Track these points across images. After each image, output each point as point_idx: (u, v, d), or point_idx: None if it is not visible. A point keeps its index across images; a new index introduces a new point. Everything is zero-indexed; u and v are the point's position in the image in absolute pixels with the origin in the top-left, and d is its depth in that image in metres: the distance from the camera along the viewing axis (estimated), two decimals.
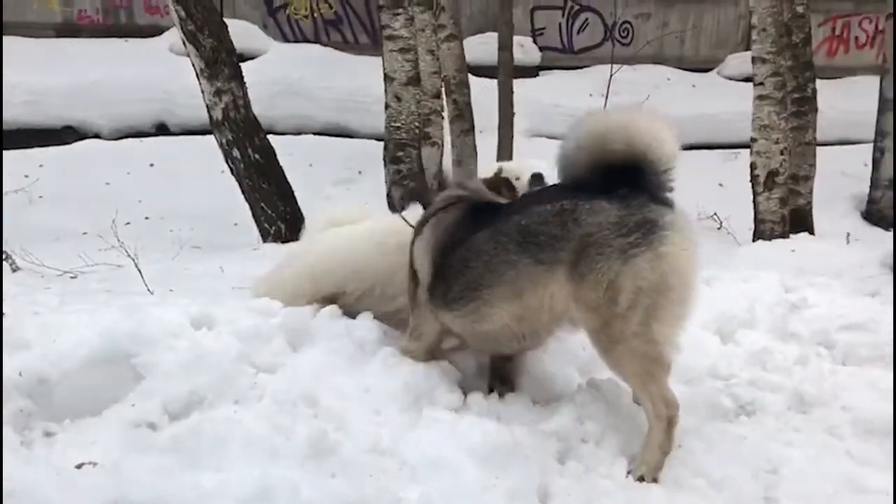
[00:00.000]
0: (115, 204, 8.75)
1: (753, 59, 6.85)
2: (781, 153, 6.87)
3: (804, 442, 2.63)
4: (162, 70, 10.45)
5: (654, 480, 2.42)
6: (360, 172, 9.65)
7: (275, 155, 6.77)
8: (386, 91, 7.08)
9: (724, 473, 2.46)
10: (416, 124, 7.09)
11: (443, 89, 7.60)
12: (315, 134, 10.59)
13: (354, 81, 10.60)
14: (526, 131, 10.69)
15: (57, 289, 4.51)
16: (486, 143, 9.13)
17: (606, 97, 8.68)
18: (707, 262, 6.44)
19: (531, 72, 11.85)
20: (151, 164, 9.77)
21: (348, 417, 2.44)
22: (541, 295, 2.53)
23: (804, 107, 7.83)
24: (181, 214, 8.57)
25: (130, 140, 10.29)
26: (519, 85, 10.20)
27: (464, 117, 6.03)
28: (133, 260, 4.76)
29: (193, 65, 6.56)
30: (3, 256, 5.41)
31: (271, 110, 10.45)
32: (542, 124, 10.92)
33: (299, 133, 10.51)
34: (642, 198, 2.44)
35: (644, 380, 2.46)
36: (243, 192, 6.71)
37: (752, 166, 7.02)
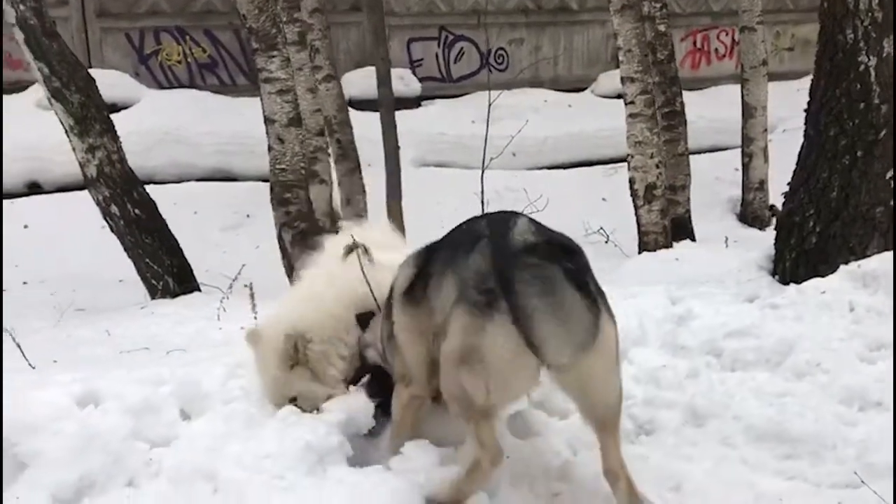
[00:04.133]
0: None
1: (622, 79, 7.12)
2: (657, 166, 7.15)
3: (702, 455, 2.72)
4: (30, 127, 10.01)
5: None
6: (248, 216, 9.49)
7: (156, 208, 6.56)
8: (268, 133, 6.97)
9: None
10: (302, 164, 7.00)
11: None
12: (198, 181, 10.35)
13: (235, 124, 10.43)
14: (413, 161, 10.77)
15: None
16: (377, 176, 9.11)
17: (487, 124, 8.81)
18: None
19: (413, 103, 11.95)
20: (25, 226, 9.32)
21: (250, 488, 2.36)
22: None
23: (674, 120, 8.19)
24: (62, 276, 8.21)
25: None
26: (402, 116, 10.25)
27: (348, 156, 6.01)
28: (10, 334, 4.48)
29: (62, 122, 6.31)
30: None
31: (150, 160, 10.18)
32: (427, 154, 11.05)
33: (181, 181, 10.25)
34: None
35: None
36: (125, 248, 6.48)
37: (631, 181, 7.27)
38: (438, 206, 9.96)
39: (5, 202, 9.83)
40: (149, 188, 10.13)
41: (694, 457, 2.71)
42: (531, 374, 2.38)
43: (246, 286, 5.63)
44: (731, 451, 2.76)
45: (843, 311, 3.99)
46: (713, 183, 10.50)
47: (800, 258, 4.83)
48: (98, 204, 6.37)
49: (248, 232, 9.24)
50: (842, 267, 4.52)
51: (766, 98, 9.33)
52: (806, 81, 5.00)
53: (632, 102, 7.07)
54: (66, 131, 6.31)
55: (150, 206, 6.51)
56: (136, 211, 6.38)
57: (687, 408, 2.97)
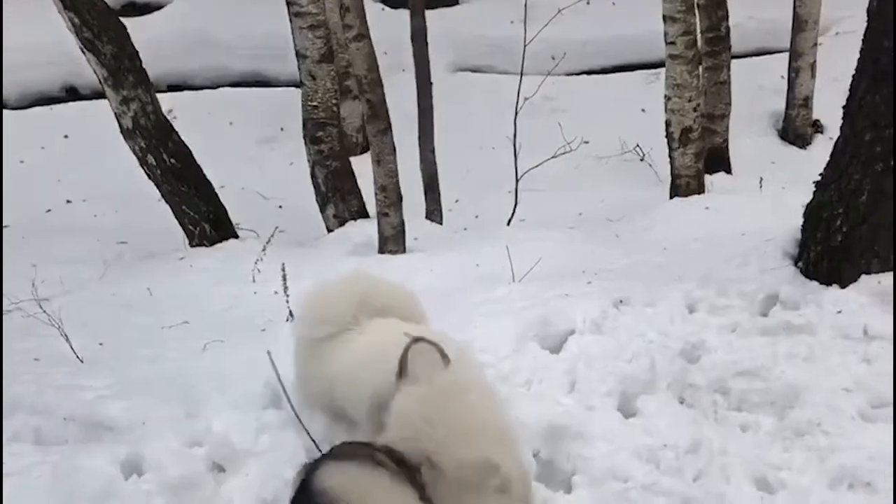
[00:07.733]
0: (34, 186, 8.57)
1: (664, 18, 6.85)
2: (695, 110, 7.00)
3: None
4: (62, 27, 9.92)
5: None
6: (282, 129, 9.50)
7: (191, 155, 6.66)
8: (299, 69, 6.93)
9: None
10: (334, 101, 6.99)
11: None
12: (232, 85, 10.30)
13: (270, 27, 10.18)
14: (449, 65, 10.52)
15: None
16: (407, 83, 8.82)
17: (525, 25, 8.48)
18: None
19: (450, 0, 11.48)
20: (66, 136, 9.48)
21: None
22: None
23: (717, 46, 7.91)
24: (104, 194, 8.44)
25: (39, 108, 9.89)
26: (439, 15, 9.94)
27: (379, 116, 5.96)
28: (59, 330, 4.69)
29: (96, 73, 6.34)
30: None
31: (187, 64, 10.18)
32: (465, 58, 10.74)
33: (216, 86, 10.22)
34: None
35: None
36: (163, 196, 6.66)
37: (667, 123, 7.15)
38: (471, 118, 9.84)
39: (44, 108, 9.97)
40: (185, 94, 10.20)
41: None
42: None
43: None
44: None
45: (858, 336, 4.12)
46: (756, 92, 10.06)
47: (825, 253, 4.84)
48: (135, 153, 6.48)
49: (282, 146, 9.30)
50: (863, 278, 4.59)
51: (818, 12, 8.83)
52: None
53: (672, 43, 6.83)
54: (100, 82, 6.34)
55: (185, 154, 6.60)
56: (172, 160, 6.48)
57: None
